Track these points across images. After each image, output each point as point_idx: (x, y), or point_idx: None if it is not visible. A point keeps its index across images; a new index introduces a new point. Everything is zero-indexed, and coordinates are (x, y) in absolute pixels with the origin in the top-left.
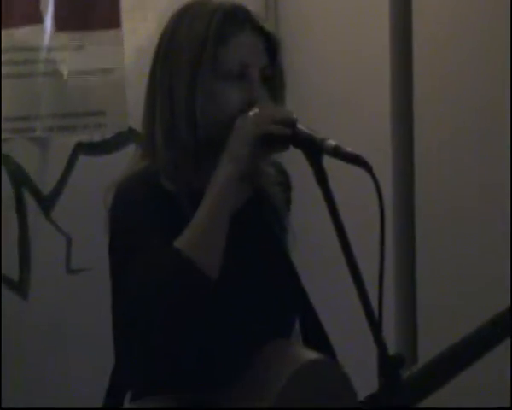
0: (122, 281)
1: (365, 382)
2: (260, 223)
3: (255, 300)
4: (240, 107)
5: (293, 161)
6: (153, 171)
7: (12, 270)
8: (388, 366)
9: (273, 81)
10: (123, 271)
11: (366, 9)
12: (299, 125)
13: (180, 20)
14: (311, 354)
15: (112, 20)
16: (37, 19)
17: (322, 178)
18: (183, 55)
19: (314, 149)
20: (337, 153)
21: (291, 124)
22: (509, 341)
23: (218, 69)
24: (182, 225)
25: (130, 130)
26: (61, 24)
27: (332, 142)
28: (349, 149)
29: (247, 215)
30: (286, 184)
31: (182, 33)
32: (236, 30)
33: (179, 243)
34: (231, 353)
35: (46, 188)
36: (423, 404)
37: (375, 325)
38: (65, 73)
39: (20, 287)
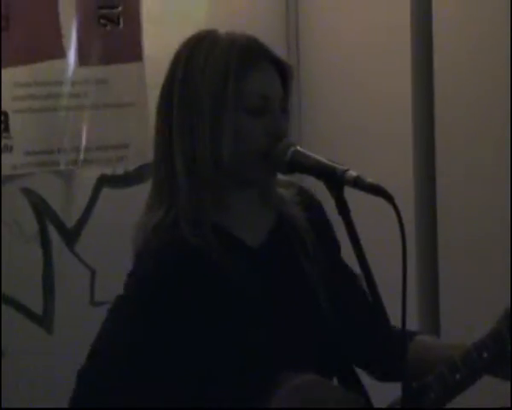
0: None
1: None
2: (287, 255)
3: (280, 336)
4: (266, 140)
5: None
6: (171, 222)
7: (36, 303)
8: (412, 396)
9: (288, 111)
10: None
11: (387, 39)
12: (320, 157)
13: (193, 54)
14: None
15: (134, 53)
16: (61, 53)
17: (343, 209)
18: (204, 93)
19: (335, 181)
20: (358, 184)
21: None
22: None
23: (240, 104)
24: (208, 276)
25: None
26: (84, 58)
27: (353, 173)
28: (370, 180)
29: (273, 249)
30: (308, 204)
31: (198, 69)
32: (255, 63)
33: None
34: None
35: (70, 221)
36: None
37: (400, 358)
38: (88, 106)
39: (45, 321)
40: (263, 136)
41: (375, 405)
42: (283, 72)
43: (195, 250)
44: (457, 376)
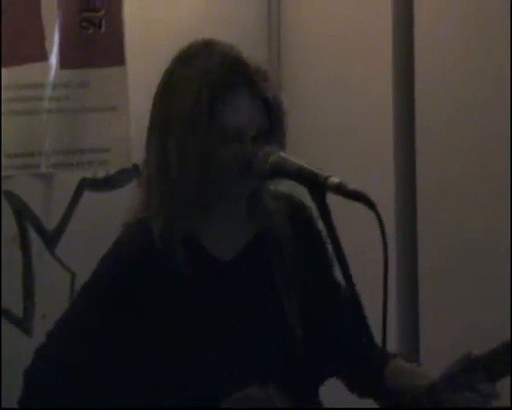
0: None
1: None
2: (259, 269)
3: (231, 350)
4: (233, 168)
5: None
6: (147, 226)
7: (16, 306)
8: None
9: (271, 134)
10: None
11: (369, 40)
12: (303, 163)
13: (174, 72)
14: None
15: (116, 57)
16: (42, 56)
17: (325, 214)
18: (176, 115)
19: (317, 187)
20: (340, 190)
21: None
22: None
23: (210, 131)
24: (166, 283)
25: (135, 166)
26: (66, 61)
27: (335, 179)
28: (352, 187)
29: (245, 263)
30: (296, 216)
31: (175, 89)
32: (232, 92)
33: None
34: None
35: (50, 224)
36: None
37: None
38: (69, 109)
39: (25, 323)
40: (228, 165)
41: None
42: (267, 102)
43: (161, 256)
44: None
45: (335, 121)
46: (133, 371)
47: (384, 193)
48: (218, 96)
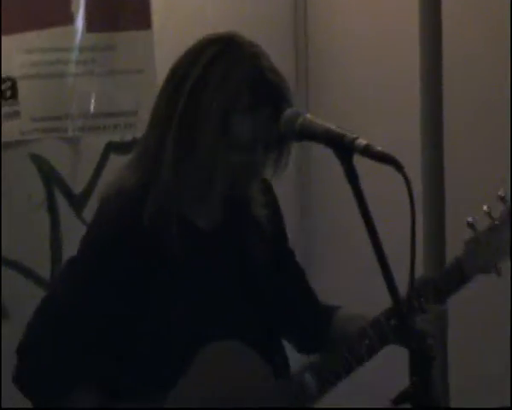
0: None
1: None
2: (235, 238)
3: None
4: (242, 173)
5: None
6: (142, 193)
7: (44, 269)
8: (419, 364)
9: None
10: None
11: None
12: (330, 125)
13: (208, 70)
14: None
15: (142, 20)
16: (69, 20)
17: (352, 176)
18: (207, 114)
19: (345, 148)
20: (367, 152)
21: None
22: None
23: (228, 136)
24: (157, 253)
25: None
26: (92, 25)
27: (362, 141)
28: (379, 148)
29: (224, 232)
30: (268, 195)
31: (210, 89)
32: (253, 106)
33: None
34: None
35: (77, 187)
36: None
37: (407, 326)
38: (96, 73)
39: None
40: (237, 171)
41: None
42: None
43: (151, 228)
44: (366, 341)
45: (361, 89)
46: (123, 333)
47: (411, 154)
48: (236, 108)
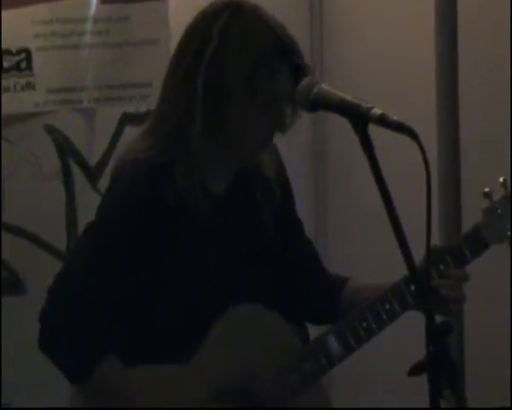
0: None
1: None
2: (248, 201)
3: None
4: (267, 135)
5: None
6: (168, 159)
7: (59, 240)
8: (436, 334)
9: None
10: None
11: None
12: (345, 95)
13: (225, 36)
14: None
15: None
16: None
17: (367, 145)
18: (232, 81)
19: (360, 118)
20: (383, 121)
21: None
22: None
23: (254, 97)
24: (181, 217)
25: None
26: None
27: (377, 111)
28: (394, 118)
29: (236, 195)
30: (277, 160)
31: (231, 57)
32: (281, 65)
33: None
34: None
35: (92, 159)
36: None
37: (424, 295)
38: (110, 44)
39: (68, 257)
40: (266, 130)
41: None
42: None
43: (174, 196)
44: (387, 306)
45: (379, 69)
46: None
47: (426, 124)
48: (259, 71)
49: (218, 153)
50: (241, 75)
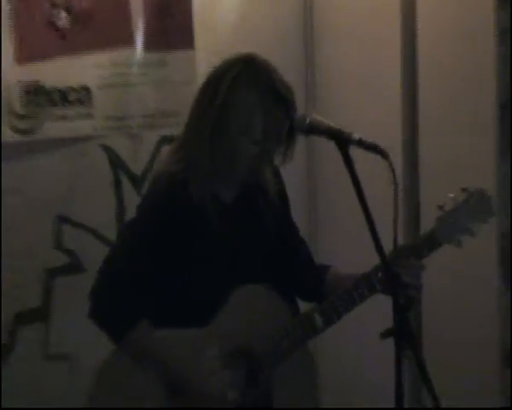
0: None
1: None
2: (253, 207)
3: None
4: (257, 162)
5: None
6: (183, 176)
7: (112, 235)
8: (400, 310)
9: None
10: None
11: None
12: (331, 123)
13: (234, 89)
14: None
15: (187, 41)
16: (131, 41)
17: (349, 162)
18: (234, 121)
19: (343, 141)
20: (360, 143)
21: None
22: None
23: (249, 136)
24: (199, 230)
25: None
26: (149, 45)
27: (357, 135)
28: (370, 140)
29: (243, 203)
30: (276, 172)
31: (238, 101)
32: (270, 111)
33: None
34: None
35: (137, 171)
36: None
37: (391, 280)
38: (152, 83)
39: None
40: (251, 159)
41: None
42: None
43: (192, 203)
44: (360, 290)
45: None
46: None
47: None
48: (254, 116)
49: (223, 170)
50: (239, 121)
